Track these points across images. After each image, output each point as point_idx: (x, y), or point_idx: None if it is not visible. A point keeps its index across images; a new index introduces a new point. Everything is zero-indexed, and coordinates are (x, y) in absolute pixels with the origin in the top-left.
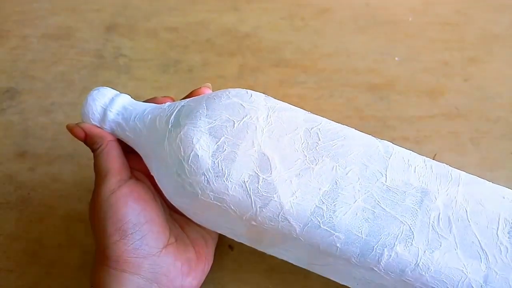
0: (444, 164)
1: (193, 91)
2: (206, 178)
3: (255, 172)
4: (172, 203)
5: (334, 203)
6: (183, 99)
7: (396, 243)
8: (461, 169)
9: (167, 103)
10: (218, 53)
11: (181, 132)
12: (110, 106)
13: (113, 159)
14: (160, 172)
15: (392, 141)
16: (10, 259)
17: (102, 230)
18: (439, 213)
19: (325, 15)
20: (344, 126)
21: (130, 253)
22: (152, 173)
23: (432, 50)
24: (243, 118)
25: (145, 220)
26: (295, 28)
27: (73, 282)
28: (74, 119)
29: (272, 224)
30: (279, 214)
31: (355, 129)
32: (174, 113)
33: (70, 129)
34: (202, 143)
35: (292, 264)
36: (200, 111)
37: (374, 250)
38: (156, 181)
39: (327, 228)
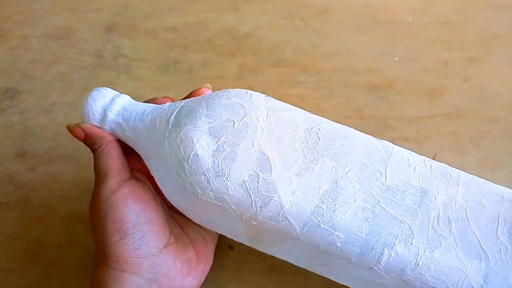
0: (444, 164)
1: (193, 91)
2: (206, 178)
3: (255, 172)
4: (172, 203)
5: (334, 203)
6: (183, 99)
7: (396, 243)
8: (461, 169)
9: (167, 104)
10: (218, 53)
11: (181, 132)
12: (110, 106)
13: (113, 159)
14: (160, 172)
15: (392, 141)
16: (10, 259)
17: (102, 230)
18: (439, 213)
19: (325, 15)
20: (344, 126)
21: (130, 253)
22: (152, 173)
23: (432, 50)
24: (243, 118)
25: (145, 220)
26: (295, 28)
27: (73, 282)
28: (74, 119)
29: (272, 223)
30: (279, 214)
31: (355, 129)
32: (174, 113)
33: (70, 129)
34: (202, 143)
35: (292, 264)
36: (200, 111)
37: (374, 249)
38: (156, 181)
39: (327, 228)
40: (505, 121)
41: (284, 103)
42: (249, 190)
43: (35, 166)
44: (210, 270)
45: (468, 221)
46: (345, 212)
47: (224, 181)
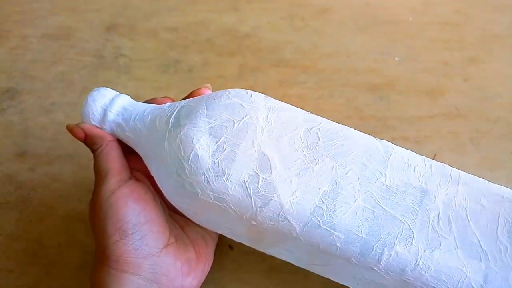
0: (444, 164)
1: (193, 91)
2: (206, 178)
3: (255, 172)
4: (172, 203)
5: (334, 203)
6: (183, 99)
7: (396, 243)
8: (461, 169)
9: (167, 104)
10: (218, 53)
11: (181, 132)
12: (110, 106)
13: (113, 160)
14: (160, 172)
15: (392, 141)
16: (10, 259)
17: (102, 230)
18: (439, 213)
19: (325, 15)
20: (344, 126)
21: (130, 253)
22: (152, 174)
23: (432, 50)
24: (243, 118)
25: (145, 220)
26: (295, 28)
27: (73, 282)
28: (74, 119)
29: (272, 223)
30: (279, 214)
31: (355, 129)
32: (174, 113)
33: (70, 129)
34: (202, 143)
35: (292, 264)
36: (200, 111)
37: (374, 249)
38: (156, 181)
39: (327, 228)
40: (505, 121)
41: (284, 103)
42: (249, 190)
43: (35, 166)
44: (210, 270)
45: (468, 221)
46: (345, 212)
47: (224, 181)
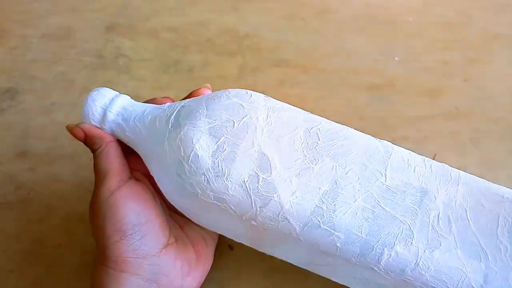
0: (444, 164)
1: (193, 91)
2: (206, 178)
3: (255, 172)
4: (172, 203)
5: (334, 203)
6: (183, 99)
7: (396, 243)
8: (461, 169)
9: (167, 104)
10: (218, 53)
11: (181, 132)
12: (110, 106)
13: (113, 160)
14: (160, 173)
15: (392, 141)
16: (10, 259)
17: (101, 230)
18: (439, 213)
19: (325, 15)
20: (344, 126)
21: (130, 254)
22: (152, 174)
23: (432, 50)
24: (243, 118)
25: (145, 221)
26: (295, 28)
27: (73, 282)
28: (74, 119)
29: (272, 223)
30: (279, 214)
31: (355, 129)
32: (174, 114)
33: (70, 129)
34: (202, 143)
35: (292, 264)
36: (200, 111)
37: (374, 249)
38: (156, 181)
39: (327, 228)
40: (505, 121)
41: (284, 103)
42: (249, 190)
43: (35, 166)
44: (210, 270)
45: (468, 221)
46: (345, 212)
47: (224, 181)
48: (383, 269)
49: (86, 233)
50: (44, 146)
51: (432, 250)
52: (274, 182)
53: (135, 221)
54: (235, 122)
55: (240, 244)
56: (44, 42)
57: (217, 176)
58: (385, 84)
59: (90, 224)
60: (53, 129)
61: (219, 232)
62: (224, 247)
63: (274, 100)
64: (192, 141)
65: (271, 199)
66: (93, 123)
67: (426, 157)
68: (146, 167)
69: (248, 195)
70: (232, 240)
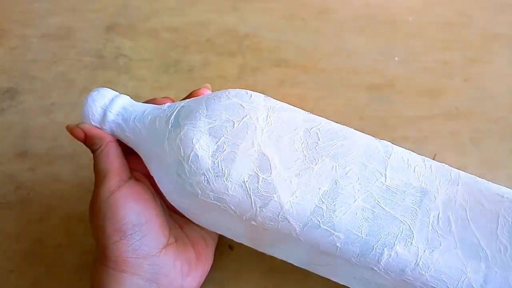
0: (444, 164)
1: (192, 91)
2: (206, 178)
3: (255, 172)
4: (172, 203)
5: (334, 203)
6: (183, 99)
7: (396, 243)
8: (461, 169)
9: (167, 104)
10: (218, 53)
11: (181, 133)
12: (110, 107)
13: (113, 160)
14: (160, 173)
15: (392, 141)
16: (10, 259)
17: (101, 230)
18: (439, 213)
19: (325, 15)
20: (344, 126)
21: (130, 254)
22: (152, 174)
23: (432, 50)
24: (243, 119)
25: (145, 221)
26: (295, 28)
27: (73, 282)
28: (74, 119)
29: (272, 224)
30: (279, 214)
31: (355, 129)
32: (174, 114)
33: (70, 129)
34: (202, 143)
35: (292, 264)
36: (200, 112)
37: (374, 249)
38: (156, 181)
39: (327, 228)
40: (505, 121)
41: (284, 103)
42: (249, 191)
43: (35, 166)
44: (210, 270)
45: (468, 221)
46: (345, 212)
47: (224, 181)
48: (383, 269)
49: (86, 233)
50: (44, 146)
51: (432, 250)
52: (274, 182)
53: (135, 221)
54: (235, 122)
55: (240, 244)
56: (44, 42)
57: (217, 176)
58: (385, 84)
59: (90, 224)
60: (53, 129)
61: (219, 232)
62: (224, 247)
63: (274, 100)
64: (192, 141)
65: (271, 199)
66: (93, 123)
67: (426, 157)
68: (146, 167)
69: (248, 195)
70: (232, 240)
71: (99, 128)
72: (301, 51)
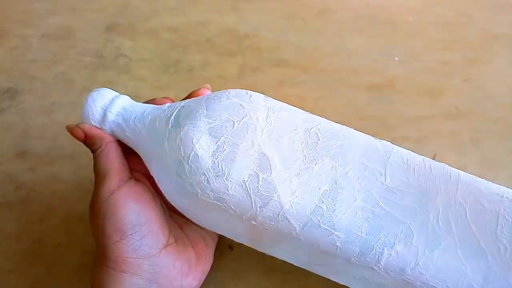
0: (443, 164)
1: (192, 92)
2: (206, 178)
3: (255, 172)
4: (172, 203)
5: (334, 203)
6: (183, 99)
7: (396, 242)
8: (461, 169)
9: (167, 104)
10: (218, 53)
11: (181, 133)
12: (110, 107)
13: (113, 160)
14: (160, 173)
15: (392, 141)
16: (10, 259)
17: (101, 230)
18: (439, 213)
19: (325, 15)
20: (344, 126)
21: (130, 254)
22: (152, 174)
23: (432, 50)
24: (242, 118)
25: (145, 221)
26: (295, 28)
27: (73, 282)
28: (74, 119)
29: (272, 223)
30: (279, 214)
31: (355, 129)
32: (174, 114)
33: (70, 130)
34: (202, 143)
35: (292, 264)
36: (200, 112)
37: (374, 249)
38: (156, 181)
39: (327, 227)
40: (505, 121)
41: (284, 103)
42: (249, 190)
43: (35, 166)
44: (210, 270)
45: (468, 221)
46: (345, 212)
47: (224, 181)
48: (383, 269)
49: (86, 233)
50: (44, 146)
51: (432, 250)
52: (274, 182)
53: (135, 221)
54: (235, 122)
55: (240, 244)
56: (44, 42)
57: (217, 176)
58: (385, 84)
59: (90, 224)
60: (53, 129)
61: (219, 232)
62: (224, 247)
63: (274, 100)
64: (192, 141)
65: (271, 199)
66: (93, 123)
67: (426, 157)
68: (146, 167)
69: (248, 195)
70: (232, 240)
71: (99, 128)
72: (301, 51)
